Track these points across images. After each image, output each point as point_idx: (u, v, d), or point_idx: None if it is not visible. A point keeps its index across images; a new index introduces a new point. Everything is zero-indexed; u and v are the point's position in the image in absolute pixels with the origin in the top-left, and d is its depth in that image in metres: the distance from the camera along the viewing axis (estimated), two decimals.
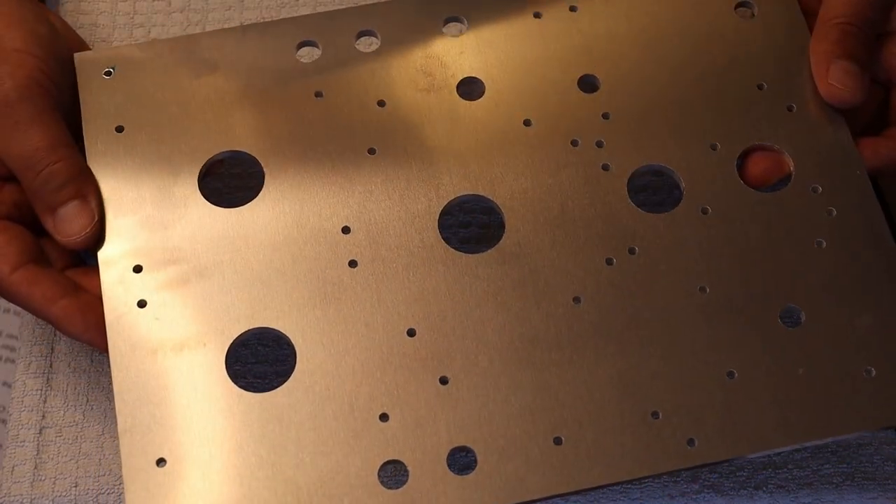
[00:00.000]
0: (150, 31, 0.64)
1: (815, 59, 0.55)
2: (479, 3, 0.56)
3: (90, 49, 0.59)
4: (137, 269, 0.51)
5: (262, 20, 0.65)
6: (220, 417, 0.48)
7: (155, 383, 0.48)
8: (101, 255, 0.51)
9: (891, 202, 0.66)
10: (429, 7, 0.56)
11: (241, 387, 0.49)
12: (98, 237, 0.51)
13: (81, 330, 0.50)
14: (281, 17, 0.65)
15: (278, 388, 0.49)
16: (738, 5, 0.57)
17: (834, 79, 0.53)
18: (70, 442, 0.56)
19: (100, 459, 0.55)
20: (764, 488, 0.55)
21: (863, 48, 0.54)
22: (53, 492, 0.55)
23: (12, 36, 0.53)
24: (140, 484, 0.47)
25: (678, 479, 0.55)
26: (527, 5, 0.56)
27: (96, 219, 0.51)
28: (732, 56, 0.55)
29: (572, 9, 0.56)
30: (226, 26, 0.64)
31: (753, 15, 0.56)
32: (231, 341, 0.49)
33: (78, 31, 0.64)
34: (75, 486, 0.55)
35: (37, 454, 0.55)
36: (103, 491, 0.55)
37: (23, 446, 0.56)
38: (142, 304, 0.50)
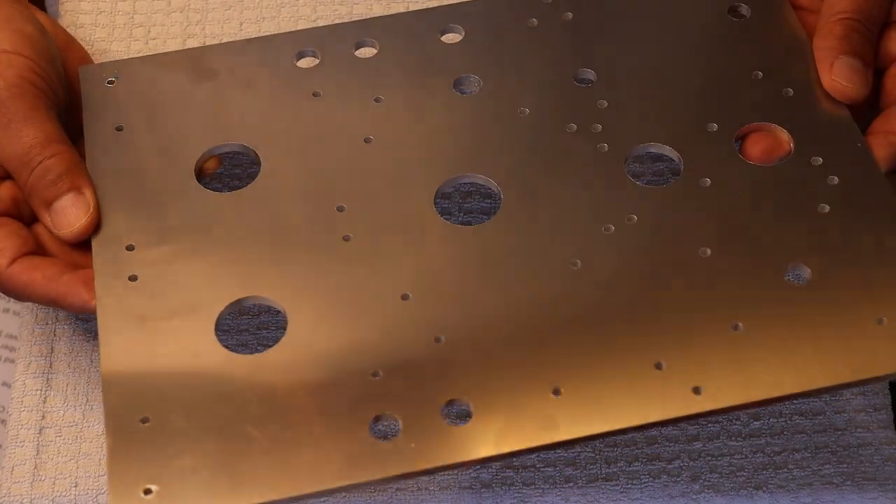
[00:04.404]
0: (149, 31, 0.65)
1: (818, 55, 0.55)
2: (475, 14, 0.58)
3: (78, 46, 0.59)
4: (130, 247, 0.51)
5: (261, 19, 0.65)
6: (207, 377, 0.48)
7: (142, 348, 0.48)
8: (95, 237, 0.52)
9: None
10: (426, 18, 0.58)
11: None
12: (94, 228, 0.52)
13: (88, 298, 0.50)
14: (280, 16, 0.65)
15: (268, 350, 0.48)
16: (730, 9, 0.57)
17: (838, 75, 0.54)
18: (70, 442, 0.56)
19: (100, 459, 0.55)
20: (764, 488, 0.55)
21: (866, 44, 0.54)
22: (53, 492, 0.55)
23: (0, 37, 0.53)
24: (122, 442, 0.46)
25: (678, 479, 0.55)
26: (523, 14, 0.57)
27: (91, 209, 0.52)
28: (727, 52, 0.56)
29: (566, 14, 0.57)
30: (226, 26, 0.65)
31: (745, 15, 0.57)
32: (222, 308, 0.49)
33: (78, 31, 0.64)
34: (75, 486, 0.55)
35: (37, 454, 0.55)
36: (103, 491, 0.55)
37: (23, 446, 0.56)
38: (133, 278, 0.50)
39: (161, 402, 0.47)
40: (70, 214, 0.51)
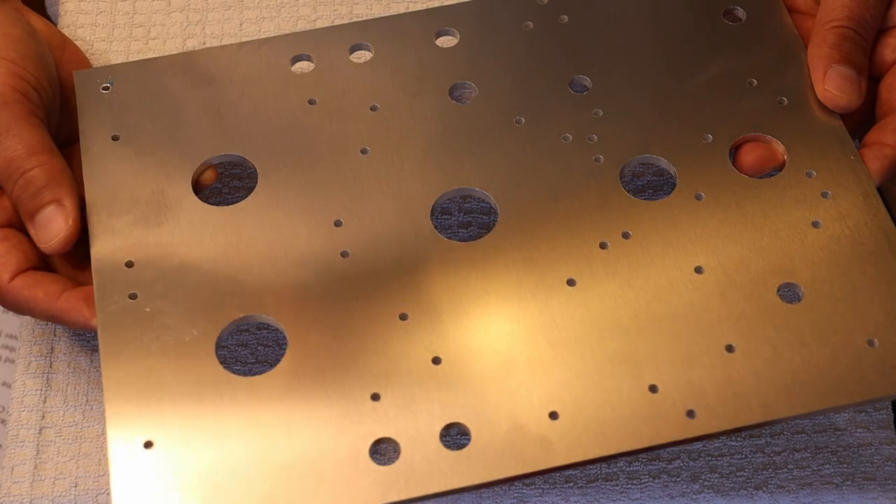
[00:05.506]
0: (149, 31, 0.64)
1: (812, 63, 0.55)
2: (470, 16, 0.57)
3: (74, 47, 0.59)
4: (129, 264, 0.51)
5: (261, 19, 0.65)
6: (209, 400, 0.48)
7: (144, 369, 0.49)
8: (94, 252, 0.51)
9: (890, 203, 0.66)
10: (421, 21, 0.57)
11: None
12: (76, 239, 0.51)
13: (89, 316, 0.50)
14: (280, 16, 0.65)
15: (268, 372, 0.49)
16: (726, 12, 0.57)
17: (831, 85, 0.53)
18: (70, 442, 0.56)
19: (100, 459, 0.55)
20: (764, 488, 0.55)
21: (860, 52, 0.54)
22: (53, 492, 0.55)
23: None
24: (126, 466, 0.47)
25: (678, 479, 0.55)
26: (518, 16, 0.57)
27: (71, 222, 0.51)
28: (723, 58, 0.56)
29: (561, 19, 0.57)
30: (225, 26, 0.65)
31: (741, 19, 0.57)
32: (221, 328, 0.50)
33: (78, 31, 0.64)
34: (75, 486, 0.55)
35: (36, 454, 0.55)
36: (103, 491, 0.55)
37: (22, 446, 0.56)
38: (133, 296, 0.50)
39: (163, 426, 0.47)
40: (52, 227, 0.51)
